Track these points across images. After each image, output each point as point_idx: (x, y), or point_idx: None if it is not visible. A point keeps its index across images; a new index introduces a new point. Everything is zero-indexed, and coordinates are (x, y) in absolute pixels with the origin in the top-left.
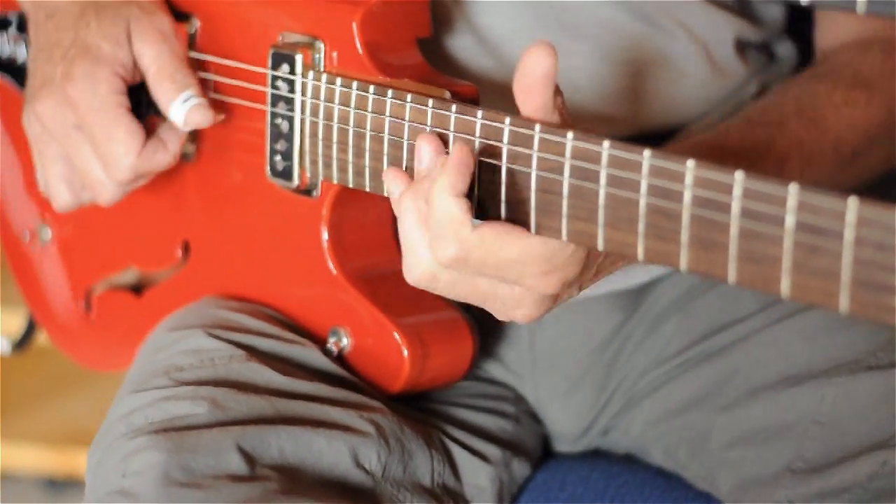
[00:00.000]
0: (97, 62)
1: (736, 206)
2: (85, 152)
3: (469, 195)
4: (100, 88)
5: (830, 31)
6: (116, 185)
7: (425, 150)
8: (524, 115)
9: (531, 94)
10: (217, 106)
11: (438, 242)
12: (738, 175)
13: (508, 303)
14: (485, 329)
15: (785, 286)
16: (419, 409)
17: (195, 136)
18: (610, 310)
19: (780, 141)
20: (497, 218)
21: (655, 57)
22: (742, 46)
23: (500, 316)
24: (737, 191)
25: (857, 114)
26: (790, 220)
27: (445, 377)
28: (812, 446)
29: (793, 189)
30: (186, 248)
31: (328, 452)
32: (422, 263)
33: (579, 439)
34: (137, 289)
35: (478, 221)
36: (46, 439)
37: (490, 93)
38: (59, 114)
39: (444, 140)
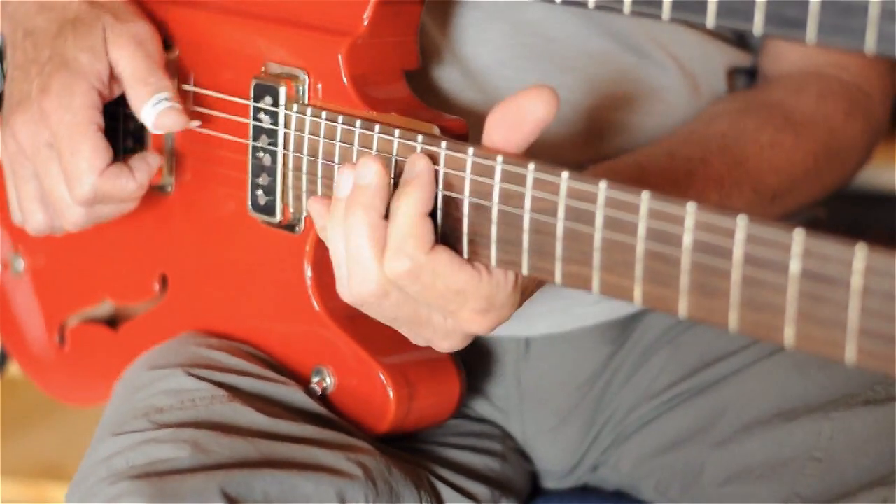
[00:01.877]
0: (75, 75)
1: (738, 252)
2: (53, 170)
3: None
4: (74, 102)
5: (777, 59)
6: (78, 204)
7: (371, 167)
8: (490, 141)
9: (516, 131)
10: (196, 137)
11: (394, 256)
12: (741, 220)
13: (439, 332)
14: (470, 366)
15: (789, 335)
16: (406, 449)
17: (174, 168)
18: (598, 342)
19: (699, 175)
20: (486, 260)
21: (644, 90)
22: (732, 73)
23: (420, 342)
24: (739, 235)
25: (781, 157)
26: (795, 267)
27: (432, 417)
28: (809, 483)
29: (797, 235)
30: (164, 282)
31: (315, 496)
32: (372, 278)
33: (568, 475)
34: (113, 322)
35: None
36: (15, 472)
37: (476, 126)
38: (33, 130)
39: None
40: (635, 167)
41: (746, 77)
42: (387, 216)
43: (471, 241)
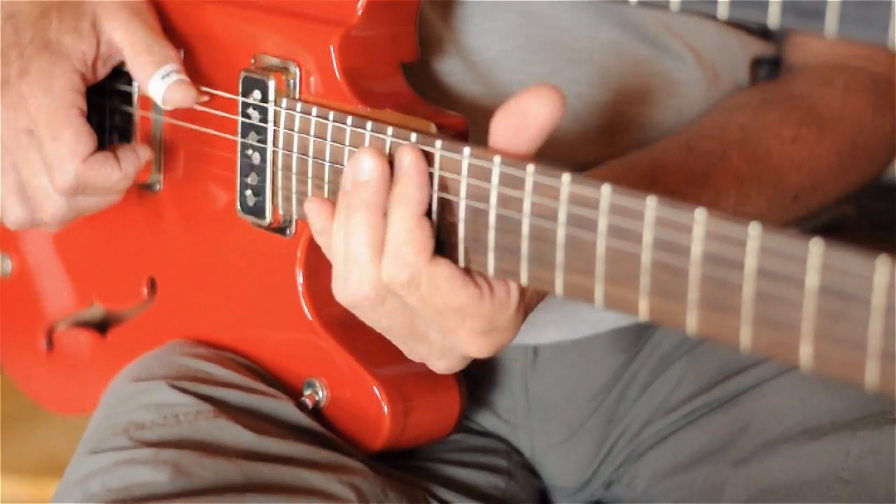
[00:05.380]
0: (56, 56)
1: (751, 264)
2: (32, 158)
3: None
4: (54, 84)
5: (802, 49)
6: (59, 194)
7: (366, 161)
8: (495, 146)
9: (521, 135)
10: (185, 134)
11: (391, 262)
12: (754, 229)
13: (434, 349)
14: (475, 376)
15: (805, 356)
16: (404, 468)
17: (162, 165)
18: (611, 350)
19: (718, 172)
20: (483, 268)
21: (660, 83)
22: (756, 64)
23: (415, 358)
24: (752, 246)
25: (804, 153)
26: (812, 282)
27: (430, 434)
28: None
29: (815, 247)
30: (153, 286)
31: None
32: (368, 282)
33: (580, 492)
34: (103, 326)
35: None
36: (16, 470)
37: (480, 122)
38: (12, 117)
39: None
40: (650, 163)
41: (770, 68)
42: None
43: (467, 248)
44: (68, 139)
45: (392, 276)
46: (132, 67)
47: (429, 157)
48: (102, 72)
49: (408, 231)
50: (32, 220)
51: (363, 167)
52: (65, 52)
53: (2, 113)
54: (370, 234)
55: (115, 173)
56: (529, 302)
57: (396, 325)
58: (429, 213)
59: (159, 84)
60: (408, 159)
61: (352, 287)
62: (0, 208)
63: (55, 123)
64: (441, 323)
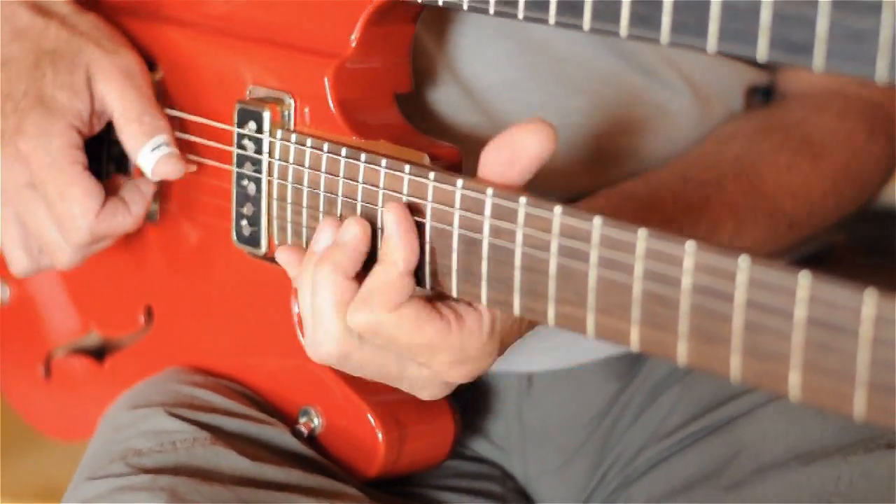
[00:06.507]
0: (51, 114)
1: (740, 296)
2: (39, 213)
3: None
4: (53, 143)
5: (794, 76)
6: (74, 248)
7: (353, 229)
8: (485, 177)
9: (511, 168)
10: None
11: (356, 307)
12: (743, 261)
13: (416, 383)
14: (469, 403)
15: (794, 386)
16: (399, 494)
17: (159, 195)
18: (605, 378)
19: (714, 203)
20: (475, 297)
21: (654, 113)
22: (750, 92)
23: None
24: (741, 278)
25: (799, 181)
26: (800, 314)
27: (425, 460)
28: None
29: (803, 279)
30: (149, 314)
31: None
32: (334, 337)
33: None
34: (101, 354)
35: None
36: (15, 494)
37: (477, 150)
38: (11, 171)
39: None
40: (646, 193)
41: (764, 95)
42: (356, 276)
43: (460, 279)
44: (78, 197)
45: (355, 320)
46: (121, 135)
47: (422, 189)
48: (98, 127)
49: (385, 284)
50: (38, 268)
51: (348, 231)
52: (60, 111)
53: (1, 165)
54: (335, 290)
55: (128, 219)
56: (511, 330)
57: (371, 371)
58: (422, 244)
59: (149, 156)
60: (390, 218)
61: (318, 342)
62: (6, 259)
63: (61, 182)
64: (414, 357)
